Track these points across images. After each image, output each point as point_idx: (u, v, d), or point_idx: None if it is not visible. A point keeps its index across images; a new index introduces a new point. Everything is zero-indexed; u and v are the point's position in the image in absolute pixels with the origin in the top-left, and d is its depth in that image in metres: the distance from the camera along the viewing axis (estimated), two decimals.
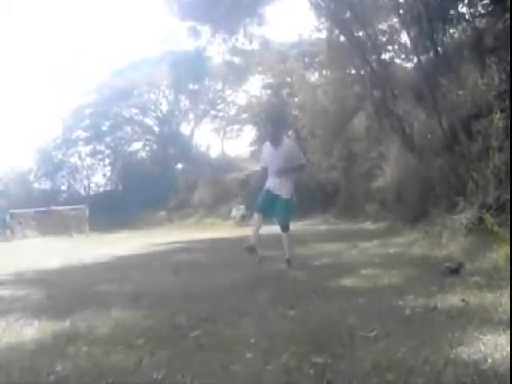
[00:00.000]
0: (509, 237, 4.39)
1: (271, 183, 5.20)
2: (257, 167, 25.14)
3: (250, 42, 13.99)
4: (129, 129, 31.29)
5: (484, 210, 5.31)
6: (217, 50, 14.67)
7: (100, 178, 30.43)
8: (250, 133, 27.38)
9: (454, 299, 3.13)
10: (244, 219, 16.14)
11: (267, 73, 24.12)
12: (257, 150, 25.28)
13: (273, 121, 5.62)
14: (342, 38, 12.17)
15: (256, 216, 5.19)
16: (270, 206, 5.12)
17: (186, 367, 2.28)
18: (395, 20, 11.15)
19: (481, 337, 2.33)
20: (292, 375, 2.11)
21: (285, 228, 5.16)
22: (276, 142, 5.21)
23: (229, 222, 18.32)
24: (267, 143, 5.36)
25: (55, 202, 23.26)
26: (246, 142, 27.89)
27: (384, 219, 9.93)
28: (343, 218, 13.36)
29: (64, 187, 29.81)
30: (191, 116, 31.34)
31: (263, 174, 5.37)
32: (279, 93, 23.14)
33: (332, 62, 14.24)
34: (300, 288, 4.01)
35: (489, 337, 2.32)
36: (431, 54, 9.20)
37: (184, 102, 30.73)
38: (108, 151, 30.37)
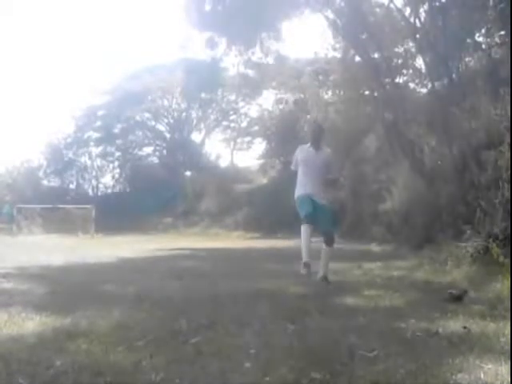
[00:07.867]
0: None
1: (310, 188, 4.76)
2: (264, 180, 25.14)
3: (266, 56, 14.11)
4: (140, 133, 31.59)
5: (491, 240, 5.29)
6: (232, 62, 14.83)
7: (109, 180, 30.71)
8: (259, 146, 27.54)
9: (456, 326, 3.11)
10: None
11: (281, 88, 24.32)
12: (266, 164, 25.39)
13: (317, 125, 5.52)
14: (357, 58, 12.29)
15: (304, 227, 4.60)
16: (315, 214, 4.64)
17: (185, 372, 2.28)
18: (411, 44, 11.26)
19: (482, 365, 2.32)
20: None
21: (331, 241, 4.75)
22: (317, 145, 4.94)
23: (235, 233, 18.33)
24: (305, 146, 5.03)
25: (63, 200, 23.39)
26: (255, 154, 27.96)
27: (389, 242, 9.89)
28: (349, 237, 13.26)
29: (72, 186, 30.07)
30: (203, 125, 31.63)
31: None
32: (292, 108, 23.29)
33: (346, 82, 14.35)
34: (301, 303, 4.00)
35: (490, 366, 2.30)
36: (445, 80, 9.29)
37: (196, 111, 31.04)
38: (118, 153, 30.65)
